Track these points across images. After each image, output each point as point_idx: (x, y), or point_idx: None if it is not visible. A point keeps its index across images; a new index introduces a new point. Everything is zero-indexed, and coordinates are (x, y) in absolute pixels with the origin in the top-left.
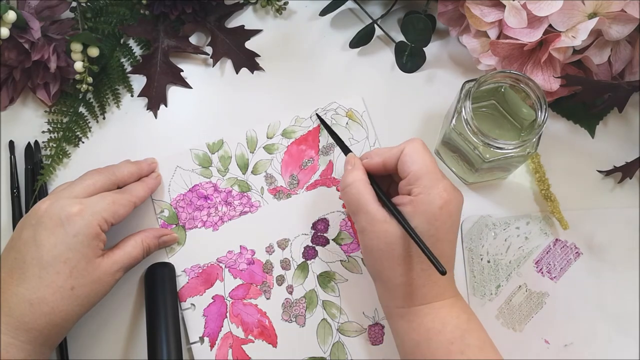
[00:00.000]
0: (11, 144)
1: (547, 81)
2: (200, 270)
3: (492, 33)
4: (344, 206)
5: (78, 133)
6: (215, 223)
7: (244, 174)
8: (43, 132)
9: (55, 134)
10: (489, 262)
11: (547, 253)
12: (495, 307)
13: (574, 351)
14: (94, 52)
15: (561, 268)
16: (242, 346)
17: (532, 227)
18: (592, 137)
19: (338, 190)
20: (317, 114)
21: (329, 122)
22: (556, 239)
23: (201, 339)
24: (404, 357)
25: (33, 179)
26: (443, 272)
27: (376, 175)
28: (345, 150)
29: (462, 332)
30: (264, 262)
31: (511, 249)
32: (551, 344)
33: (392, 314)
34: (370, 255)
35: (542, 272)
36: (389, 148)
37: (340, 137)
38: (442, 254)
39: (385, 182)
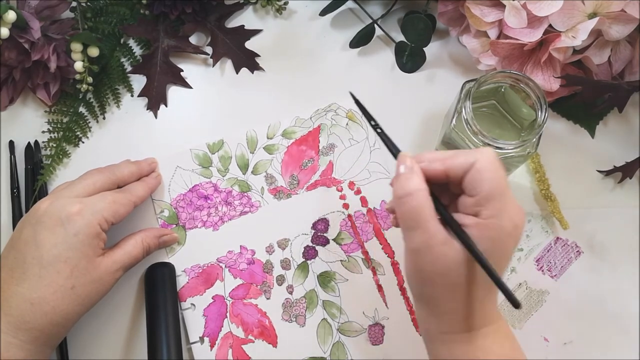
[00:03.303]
0: (11, 144)
1: (547, 81)
2: (200, 270)
3: (492, 33)
4: (344, 206)
5: (78, 133)
6: (216, 223)
7: (244, 174)
8: (43, 132)
9: (55, 134)
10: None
11: (547, 251)
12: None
13: (573, 350)
14: (94, 52)
15: (562, 266)
16: (242, 346)
17: (533, 225)
18: (592, 137)
19: (338, 191)
20: (350, 93)
21: (328, 123)
22: (557, 238)
23: (201, 339)
24: None
25: (33, 178)
26: (518, 306)
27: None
28: (393, 147)
29: None
30: (264, 262)
31: None
32: (550, 342)
33: (434, 338)
34: (420, 278)
35: (542, 270)
36: (451, 154)
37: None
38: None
39: (436, 190)
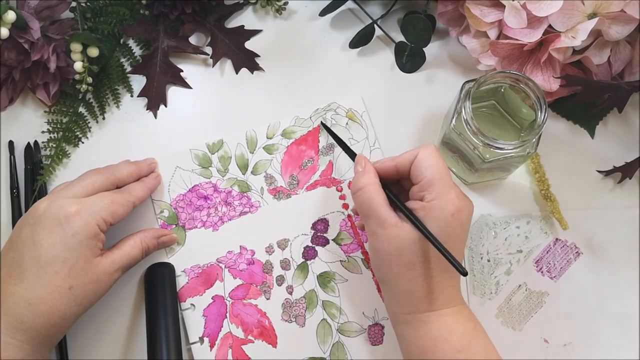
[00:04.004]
0: (11, 144)
1: (547, 81)
2: (200, 271)
3: (492, 33)
4: (344, 206)
5: (78, 133)
6: (215, 223)
7: (243, 174)
8: (43, 132)
9: (55, 134)
10: (489, 261)
11: (547, 252)
12: (495, 306)
13: (573, 351)
14: (93, 52)
15: (561, 267)
16: (242, 346)
17: (532, 226)
18: (592, 137)
19: (338, 191)
20: (322, 123)
21: (328, 123)
22: (556, 239)
23: (201, 339)
24: None
25: (33, 179)
26: (464, 273)
27: (387, 180)
28: (351, 154)
29: (469, 341)
30: (264, 262)
31: (511, 248)
32: (550, 344)
33: (398, 320)
34: (379, 259)
35: (542, 272)
36: (401, 153)
37: (342, 139)
38: None
39: (394, 188)
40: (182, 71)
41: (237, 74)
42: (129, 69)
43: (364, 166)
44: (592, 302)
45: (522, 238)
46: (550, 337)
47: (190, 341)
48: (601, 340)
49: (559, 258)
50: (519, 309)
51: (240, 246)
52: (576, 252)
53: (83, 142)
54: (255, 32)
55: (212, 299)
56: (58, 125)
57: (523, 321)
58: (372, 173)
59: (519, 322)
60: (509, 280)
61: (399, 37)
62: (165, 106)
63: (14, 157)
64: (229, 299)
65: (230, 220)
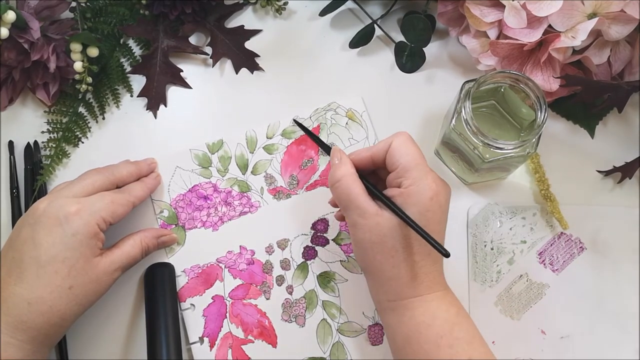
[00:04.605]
0: (11, 144)
1: (547, 81)
2: (200, 271)
3: (492, 33)
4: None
5: (77, 133)
6: (215, 223)
7: (243, 174)
8: (42, 132)
9: (55, 134)
10: (492, 249)
11: (551, 245)
12: (495, 293)
13: (569, 344)
14: (93, 52)
15: (564, 261)
16: (242, 346)
17: (538, 218)
18: (592, 137)
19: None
20: (294, 120)
21: (328, 124)
22: (561, 232)
23: (201, 339)
24: (395, 351)
25: (33, 179)
26: (446, 255)
27: (363, 171)
28: (326, 148)
29: (452, 326)
30: (264, 262)
31: (516, 238)
32: (547, 335)
33: (384, 307)
34: (361, 249)
35: (544, 264)
36: (376, 143)
37: (316, 134)
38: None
39: (371, 179)
40: (182, 71)
41: (237, 74)
42: (128, 69)
43: (340, 158)
44: (592, 298)
45: (528, 229)
46: (548, 329)
47: (190, 341)
48: (598, 336)
49: (563, 252)
50: (519, 299)
51: (240, 246)
52: (580, 247)
53: (83, 142)
54: (255, 32)
55: (212, 299)
56: (58, 125)
57: (522, 311)
58: (348, 164)
59: (518, 311)
60: (511, 269)
61: (399, 37)
62: (165, 106)
63: (14, 157)
64: (228, 299)
65: (230, 220)
